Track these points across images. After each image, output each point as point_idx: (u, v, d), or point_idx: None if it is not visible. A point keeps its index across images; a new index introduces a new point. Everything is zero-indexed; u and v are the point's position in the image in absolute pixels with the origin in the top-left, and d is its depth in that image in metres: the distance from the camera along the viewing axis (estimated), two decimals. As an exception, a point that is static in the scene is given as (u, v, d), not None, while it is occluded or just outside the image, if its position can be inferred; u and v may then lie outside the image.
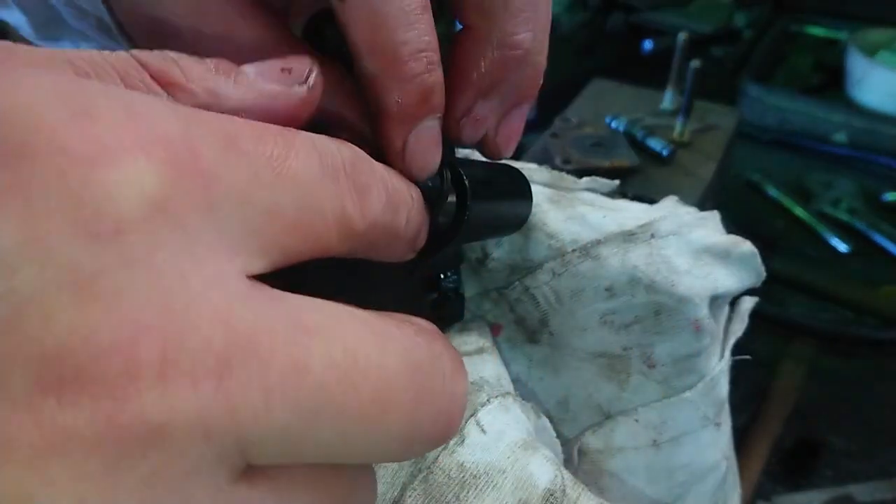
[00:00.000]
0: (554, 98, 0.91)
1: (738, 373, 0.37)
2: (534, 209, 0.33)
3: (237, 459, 0.14)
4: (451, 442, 0.27)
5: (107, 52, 0.18)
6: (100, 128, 0.14)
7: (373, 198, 0.19)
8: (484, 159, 0.31)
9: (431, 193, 0.25)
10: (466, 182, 0.26)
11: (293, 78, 0.21)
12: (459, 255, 0.32)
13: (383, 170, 0.21)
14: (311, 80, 0.21)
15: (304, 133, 0.18)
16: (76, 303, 0.13)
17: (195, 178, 0.14)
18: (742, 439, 0.67)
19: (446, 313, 0.32)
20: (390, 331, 0.17)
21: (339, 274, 0.23)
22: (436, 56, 0.23)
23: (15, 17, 0.34)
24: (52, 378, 0.12)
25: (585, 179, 0.38)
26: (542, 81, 0.28)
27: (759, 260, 0.36)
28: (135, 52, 0.18)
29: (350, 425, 0.16)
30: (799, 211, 0.96)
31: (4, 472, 0.12)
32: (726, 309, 0.37)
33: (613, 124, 0.76)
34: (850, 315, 0.83)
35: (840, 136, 1.07)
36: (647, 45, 1.33)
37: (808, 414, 0.71)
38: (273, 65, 0.21)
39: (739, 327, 0.37)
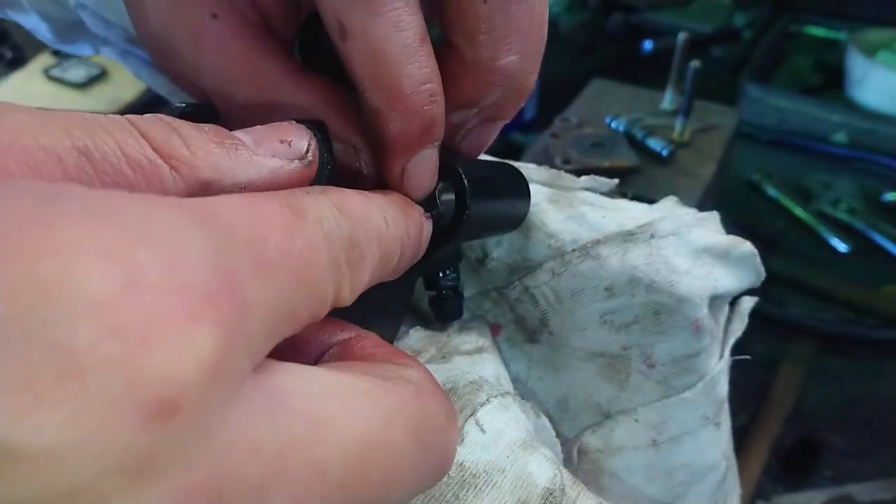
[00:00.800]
0: (554, 98, 0.91)
1: (738, 373, 0.37)
2: (533, 209, 0.33)
3: None
4: (451, 441, 0.27)
5: (103, 119, 0.18)
6: (149, 298, 0.13)
7: (365, 267, 0.20)
8: (483, 158, 0.31)
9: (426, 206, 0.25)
10: (465, 182, 0.26)
11: (293, 152, 0.21)
12: (458, 254, 0.32)
13: (379, 217, 0.21)
14: (310, 154, 0.21)
15: (311, 213, 0.18)
16: (132, 484, 0.13)
17: (237, 321, 0.14)
18: (742, 439, 0.67)
19: (445, 311, 0.32)
20: (390, 400, 0.18)
21: None
22: (437, 87, 0.24)
23: (32, 22, 0.34)
24: None
25: (584, 178, 0.38)
26: (524, 103, 0.28)
27: (758, 260, 0.36)
28: (132, 118, 0.18)
29: None
30: (799, 211, 0.96)
31: None
32: (726, 309, 0.37)
33: (613, 124, 0.76)
34: (850, 315, 0.83)
35: (840, 136, 1.07)
36: (647, 45, 1.33)
37: (808, 414, 0.71)
38: (271, 135, 0.21)
39: (739, 327, 0.37)
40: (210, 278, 0.14)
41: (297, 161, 0.21)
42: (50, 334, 0.12)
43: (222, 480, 0.14)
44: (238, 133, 0.20)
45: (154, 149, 0.18)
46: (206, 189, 0.19)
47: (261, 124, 0.21)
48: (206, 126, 0.20)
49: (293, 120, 0.22)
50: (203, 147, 0.19)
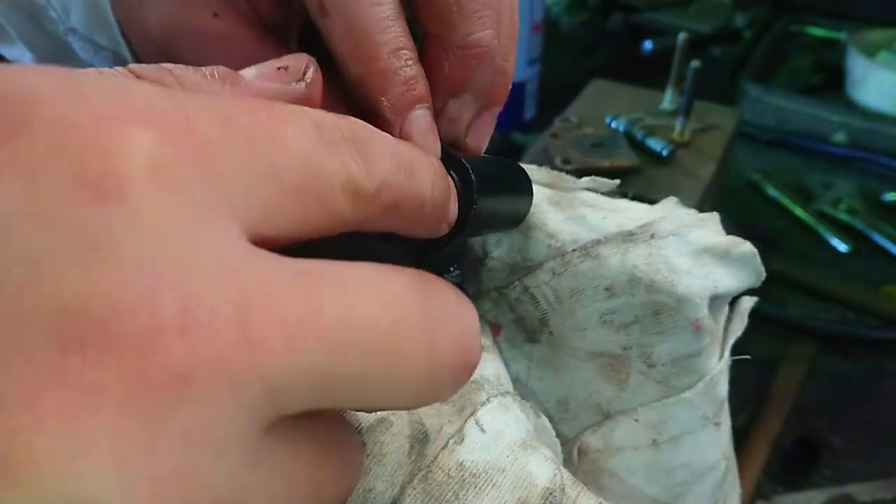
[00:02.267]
0: (554, 98, 0.91)
1: (738, 373, 0.37)
2: (534, 209, 0.33)
3: (267, 409, 0.14)
4: (451, 441, 0.27)
5: (103, 69, 0.18)
6: (94, 102, 0.14)
7: (379, 161, 0.19)
8: (486, 155, 0.31)
9: None
10: (473, 177, 0.26)
11: (290, 75, 0.22)
12: (462, 251, 0.32)
13: (394, 141, 0.21)
14: (309, 75, 0.22)
15: (296, 105, 0.18)
16: (88, 260, 0.13)
17: (192, 145, 0.15)
18: (742, 439, 0.67)
19: None
20: (391, 271, 0.17)
21: None
22: (413, 53, 0.25)
23: (17, 52, 0.35)
24: (75, 336, 0.12)
25: (585, 179, 0.38)
26: (510, 87, 0.29)
27: (758, 260, 0.36)
28: (131, 66, 0.19)
29: (372, 359, 0.16)
30: (799, 211, 0.96)
31: (39, 437, 0.12)
32: (726, 309, 0.37)
33: (613, 124, 0.76)
34: (850, 315, 0.83)
35: (840, 136, 1.07)
36: (647, 45, 1.33)
37: (808, 414, 0.71)
38: (270, 65, 0.22)
39: (739, 327, 0.37)
40: (162, 105, 0.15)
41: (294, 83, 0.22)
42: (4, 132, 0.13)
43: (196, 288, 0.13)
44: (241, 71, 0.21)
45: None
46: None
47: None
48: (207, 67, 0.20)
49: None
50: (195, 82, 0.20)
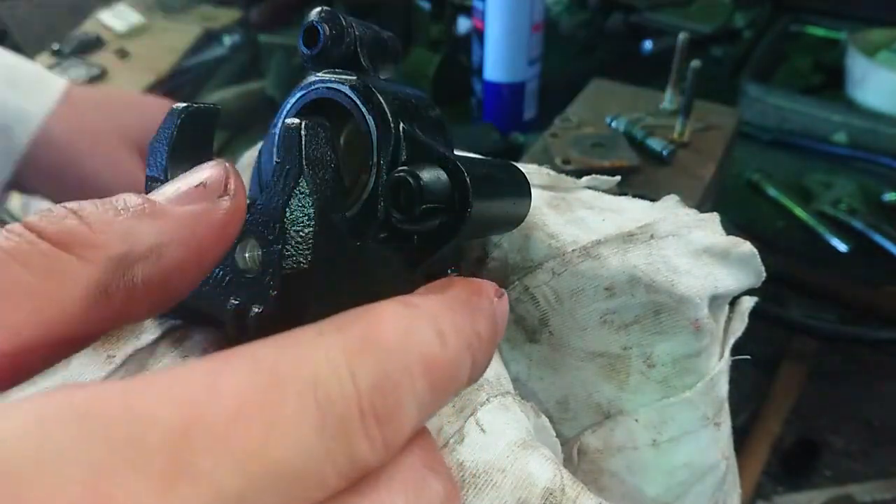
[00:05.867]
0: (554, 98, 0.91)
1: (738, 373, 0.37)
2: (534, 212, 0.33)
3: None
4: (451, 441, 0.27)
5: None
6: None
7: (402, 415, 0.15)
8: (483, 157, 0.31)
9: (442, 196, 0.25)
10: (468, 180, 0.26)
11: (210, 192, 0.18)
12: (460, 253, 0.32)
13: (429, 335, 0.17)
14: (231, 187, 0.18)
15: (304, 371, 0.14)
16: None
17: None
18: (742, 439, 0.67)
19: None
20: None
21: (341, 276, 0.23)
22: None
23: None
24: None
25: (586, 178, 0.38)
26: None
27: (758, 260, 0.36)
28: (27, 221, 0.16)
29: None
30: (799, 211, 0.96)
31: None
32: (726, 309, 0.37)
33: (613, 124, 0.76)
34: (850, 315, 0.83)
35: (840, 136, 1.07)
36: (647, 45, 1.33)
37: (808, 414, 0.71)
38: (185, 182, 0.18)
39: (739, 327, 0.37)
40: (91, 490, 0.12)
41: (218, 199, 0.18)
42: None
43: None
44: (153, 192, 0.18)
45: (52, 243, 0.16)
46: (123, 264, 0.16)
47: None
48: (117, 196, 0.17)
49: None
50: (106, 221, 0.17)
